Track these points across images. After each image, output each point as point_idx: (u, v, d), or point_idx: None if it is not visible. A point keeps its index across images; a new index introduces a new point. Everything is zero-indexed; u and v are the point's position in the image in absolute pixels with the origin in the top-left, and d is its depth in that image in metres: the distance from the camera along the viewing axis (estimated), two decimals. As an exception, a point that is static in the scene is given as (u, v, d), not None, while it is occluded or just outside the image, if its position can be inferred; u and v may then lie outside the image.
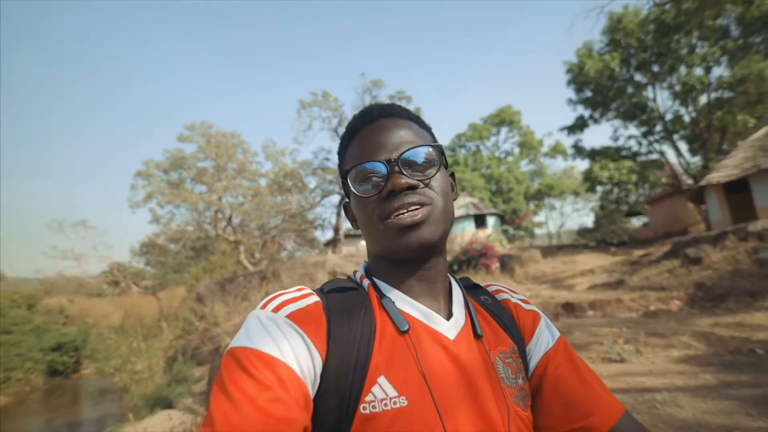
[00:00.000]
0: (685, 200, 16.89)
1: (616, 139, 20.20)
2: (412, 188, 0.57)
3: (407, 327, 0.56)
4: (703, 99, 16.97)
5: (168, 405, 8.97)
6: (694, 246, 9.43)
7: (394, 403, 0.50)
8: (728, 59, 15.33)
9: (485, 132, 32.19)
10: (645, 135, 19.29)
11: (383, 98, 19.60)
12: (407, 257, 0.59)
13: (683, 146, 18.71)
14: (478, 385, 0.55)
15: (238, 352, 0.48)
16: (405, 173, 0.57)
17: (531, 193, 30.94)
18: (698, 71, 16.65)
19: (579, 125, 20.39)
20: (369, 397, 0.50)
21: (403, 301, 0.60)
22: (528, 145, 31.96)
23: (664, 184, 18.69)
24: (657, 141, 19.24)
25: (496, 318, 0.66)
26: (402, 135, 0.61)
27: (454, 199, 0.67)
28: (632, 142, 19.87)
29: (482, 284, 0.75)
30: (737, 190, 12.53)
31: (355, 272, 0.68)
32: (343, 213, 20.96)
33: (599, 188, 19.11)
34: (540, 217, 33.25)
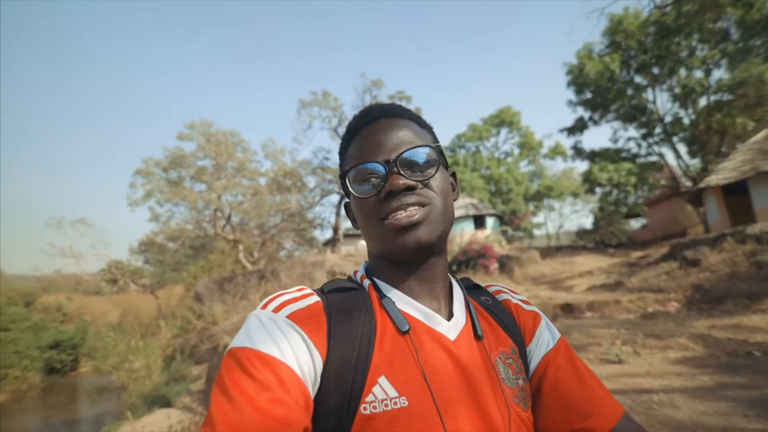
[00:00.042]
0: (684, 202, 16.92)
1: (615, 141, 20.23)
2: (411, 189, 0.57)
3: (408, 327, 0.56)
4: (702, 101, 17.00)
5: (166, 403, 8.97)
6: (693, 248, 9.45)
7: (395, 403, 0.50)
8: (728, 62, 15.37)
9: (485, 133, 32.20)
10: (644, 137, 19.32)
11: (383, 98, 19.60)
12: (405, 257, 0.59)
13: (682, 148, 18.76)
14: (479, 385, 0.55)
15: (239, 353, 0.48)
16: (403, 174, 0.57)
17: (530, 194, 30.97)
18: (698, 74, 16.67)
19: (579, 127, 20.41)
20: (369, 398, 0.50)
21: (403, 302, 0.60)
22: (528, 146, 31.98)
23: (663, 186, 18.72)
24: (656, 143, 19.28)
25: (496, 318, 0.66)
26: (401, 135, 0.61)
27: (455, 199, 0.67)
28: (632, 144, 19.91)
29: (483, 285, 0.75)
30: (736, 193, 12.56)
31: (355, 272, 0.68)
32: (342, 212, 21.04)
33: (598, 190, 19.13)
34: (539, 218, 33.32)
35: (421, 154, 0.59)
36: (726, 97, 15.76)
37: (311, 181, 21.93)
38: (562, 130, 21.11)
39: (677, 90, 17.27)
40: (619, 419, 0.57)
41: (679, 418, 2.97)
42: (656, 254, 11.28)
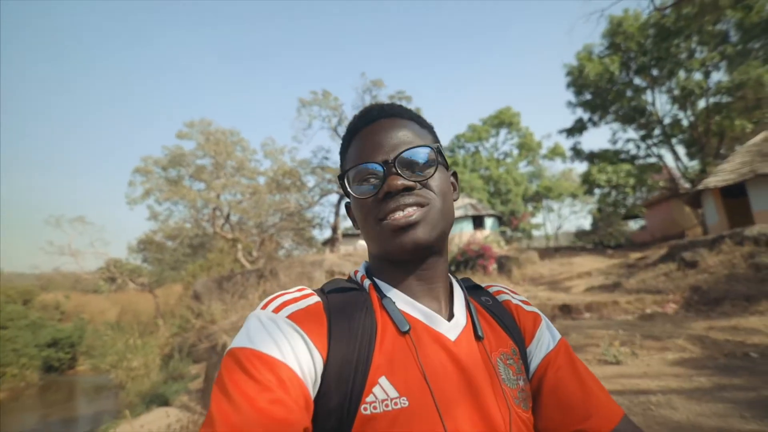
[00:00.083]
0: (683, 204, 16.96)
1: (614, 142, 20.27)
2: (409, 189, 0.57)
3: (408, 327, 0.55)
4: (701, 103, 17.04)
5: (164, 402, 8.96)
6: (691, 250, 9.47)
7: (395, 403, 0.50)
8: (727, 64, 15.41)
9: (484, 133, 32.23)
10: (643, 138, 19.36)
11: (383, 98, 19.60)
12: (403, 258, 0.59)
13: (681, 150, 18.79)
14: (479, 386, 0.55)
15: (239, 353, 0.48)
16: (402, 174, 0.57)
17: (529, 195, 31.00)
18: (697, 76, 16.71)
19: (578, 128, 20.44)
20: (370, 398, 0.50)
21: (403, 302, 0.59)
22: (527, 147, 32.02)
23: (662, 187, 18.77)
24: (655, 145, 19.32)
25: (497, 319, 0.66)
26: (400, 135, 0.60)
27: (455, 199, 0.67)
28: (631, 146, 19.95)
29: (483, 285, 0.75)
30: (734, 195, 12.59)
31: (355, 272, 0.68)
32: (341, 212, 21.00)
33: (597, 191, 19.16)
34: (538, 219, 33.34)
35: (420, 154, 0.59)
36: (725, 99, 15.79)
37: (310, 181, 21.94)
38: (561, 131, 21.15)
39: (676, 92, 17.31)
40: (618, 421, 0.57)
41: (676, 419, 2.98)
42: (654, 255, 11.30)
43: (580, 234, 22.75)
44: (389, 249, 0.58)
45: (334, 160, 21.96)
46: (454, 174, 0.70)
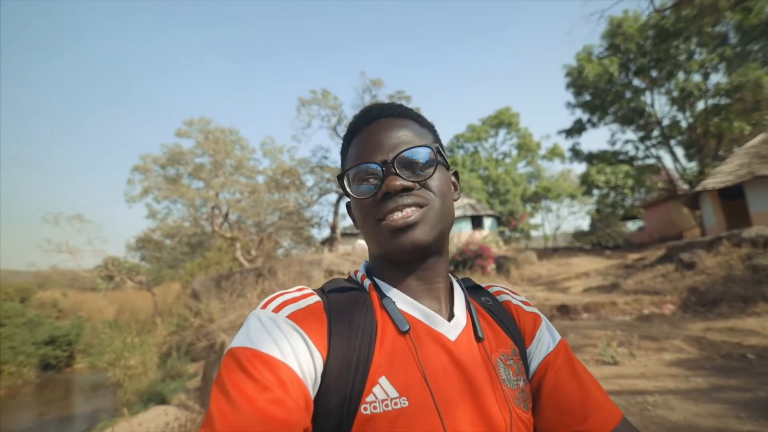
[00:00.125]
0: (681, 205, 17.00)
1: (613, 143, 20.31)
2: (408, 189, 0.57)
3: (408, 327, 0.55)
4: (700, 105, 17.08)
5: (162, 401, 8.96)
6: (689, 251, 9.50)
7: (395, 403, 0.50)
8: (726, 66, 15.45)
9: (483, 133, 32.26)
10: (642, 140, 19.41)
11: (383, 97, 19.59)
12: (402, 258, 0.59)
13: (680, 151, 18.85)
14: (480, 386, 0.55)
15: (238, 353, 0.48)
16: (400, 174, 0.57)
17: (528, 195, 31.06)
18: (696, 77, 16.76)
19: (577, 129, 20.48)
20: (370, 398, 0.49)
21: (403, 302, 0.59)
22: (526, 148, 32.07)
23: (660, 188, 18.82)
24: (654, 146, 19.36)
25: (497, 319, 0.66)
26: (400, 135, 0.60)
27: (456, 199, 0.67)
28: (629, 147, 19.99)
29: (483, 285, 0.75)
30: (732, 197, 12.63)
31: (356, 272, 0.67)
32: (339, 211, 20.95)
33: (596, 192, 19.20)
34: (536, 219, 33.40)
35: (420, 154, 0.59)
36: (723, 101, 15.83)
37: (309, 180, 21.93)
38: (560, 132, 21.18)
39: (675, 93, 17.35)
40: (616, 424, 0.57)
41: (673, 419, 2.99)
42: (652, 256, 11.33)
43: (579, 235, 22.81)
44: (388, 249, 0.58)
45: (333, 159, 21.97)
46: (455, 173, 0.69)
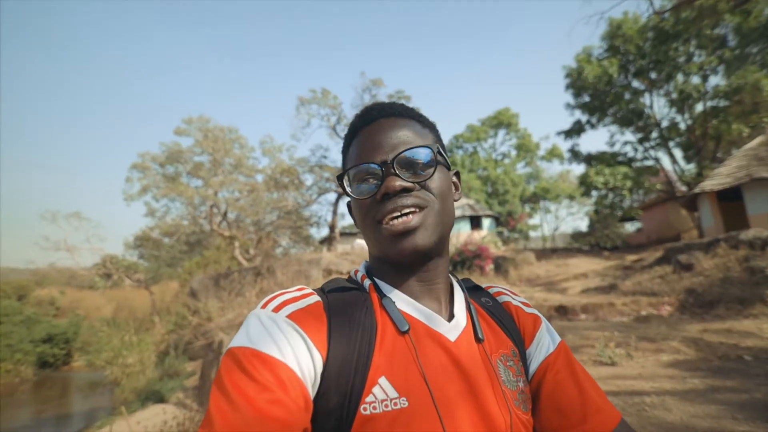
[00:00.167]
0: (679, 207, 17.05)
1: (612, 145, 20.36)
2: (408, 190, 0.57)
3: (407, 327, 0.55)
4: (699, 107, 17.13)
5: (160, 399, 8.95)
6: (686, 252, 9.53)
7: (395, 404, 0.50)
8: (725, 68, 15.50)
9: (483, 134, 32.29)
10: (641, 141, 19.45)
11: (382, 97, 19.60)
12: (402, 262, 0.59)
13: (678, 153, 18.91)
14: (480, 387, 0.55)
15: (238, 352, 0.47)
16: (400, 175, 0.56)
17: (527, 196, 31.10)
18: (695, 79, 16.80)
19: (576, 130, 20.52)
20: (369, 398, 0.49)
21: (403, 302, 0.59)
22: (525, 148, 32.10)
23: (659, 190, 18.86)
24: (652, 147, 19.41)
25: (496, 320, 0.66)
26: (400, 135, 0.60)
27: (457, 200, 0.66)
28: (628, 148, 20.05)
29: (484, 286, 0.75)
30: (730, 199, 12.67)
31: (356, 272, 0.67)
32: (338, 211, 20.86)
33: (594, 193, 19.25)
34: (535, 220, 33.46)
35: (420, 155, 0.58)
36: (722, 103, 15.88)
37: (308, 179, 21.93)
38: (559, 133, 21.23)
39: (674, 95, 17.39)
40: (615, 426, 0.57)
41: (670, 420, 3.00)
42: (650, 258, 11.36)
43: (577, 235, 22.85)
44: (389, 253, 0.58)
45: (333, 158, 21.97)
46: (457, 173, 0.69)
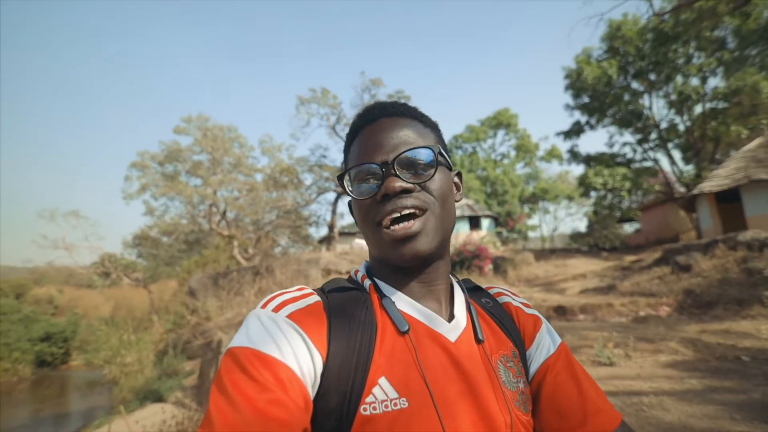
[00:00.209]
0: (677, 208, 17.08)
1: (611, 146, 20.40)
2: (408, 191, 0.56)
3: (407, 328, 0.55)
4: (698, 109, 17.18)
5: (158, 398, 8.93)
6: (685, 253, 9.55)
7: (395, 404, 0.49)
8: (724, 70, 15.54)
9: (482, 134, 32.32)
10: (640, 142, 19.49)
11: (382, 97, 19.59)
12: (403, 266, 0.59)
13: (677, 155, 18.95)
14: (480, 388, 0.55)
15: (238, 352, 0.47)
16: (400, 176, 0.56)
17: (526, 197, 31.14)
18: (694, 81, 16.85)
19: (575, 130, 20.56)
20: (369, 398, 0.49)
21: (403, 302, 0.59)
22: (524, 149, 32.14)
23: (657, 191, 18.90)
24: (651, 149, 19.46)
25: (497, 321, 0.66)
26: (401, 136, 0.59)
27: (458, 200, 0.66)
28: (627, 149, 20.10)
29: (484, 286, 0.75)
30: (728, 200, 12.70)
31: (356, 272, 0.67)
32: (337, 210, 20.82)
33: (593, 193, 19.30)
34: (534, 221, 33.50)
35: (421, 155, 0.58)
36: (721, 105, 15.93)
37: (308, 179, 21.93)
38: (558, 134, 21.28)
39: (673, 97, 17.43)
40: (615, 427, 0.57)
41: (668, 420, 3.01)
42: (649, 259, 11.38)
43: (576, 236, 22.89)
44: (390, 257, 0.58)
45: (332, 158, 21.97)
46: (458, 174, 0.69)
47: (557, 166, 47.37)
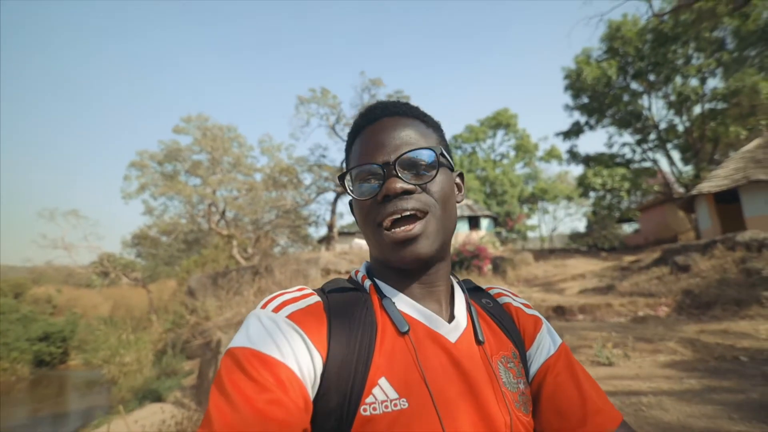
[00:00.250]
0: (676, 208, 17.11)
1: (610, 146, 20.41)
2: (409, 192, 0.56)
3: (407, 328, 0.55)
4: (697, 109, 17.19)
5: (157, 398, 8.93)
6: (683, 254, 9.57)
7: (395, 405, 0.49)
8: (723, 71, 15.57)
9: (481, 134, 32.33)
10: (639, 143, 19.51)
11: (382, 97, 19.58)
12: (404, 268, 0.59)
13: (676, 155, 18.98)
14: (480, 389, 0.55)
15: (238, 353, 0.47)
16: (402, 177, 0.56)
17: (525, 197, 31.17)
18: (693, 82, 16.86)
19: (574, 131, 20.56)
20: (369, 399, 0.49)
21: (404, 303, 0.59)
22: (523, 149, 32.16)
23: (656, 191, 18.92)
24: (650, 149, 19.47)
25: (497, 321, 0.66)
26: (403, 136, 0.59)
27: (459, 201, 0.66)
28: (626, 150, 20.11)
29: (484, 287, 0.74)
30: (727, 201, 12.72)
31: (356, 272, 0.67)
32: (337, 210, 20.77)
33: (592, 194, 19.30)
34: (533, 221, 33.54)
35: (423, 156, 0.58)
36: (720, 105, 15.95)
37: (307, 178, 21.91)
38: (558, 134, 21.27)
39: (672, 97, 17.45)
40: (616, 427, 0.57)
41: (667, 420, 3.01)
42: (648, 259, 11.39)
43: (575, 236, 22.91)
44: (390, 259, 0.58)
45: (331, 157, 21.97)
46: (460, 175, 0.69)
47: (556, 166, 47.43)
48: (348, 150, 0.66)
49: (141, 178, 19.32)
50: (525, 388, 0.61)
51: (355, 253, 17.47)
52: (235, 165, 21.55)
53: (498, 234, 25.51)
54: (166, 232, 21.59)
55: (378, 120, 0.62)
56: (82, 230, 29.02)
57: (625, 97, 18.47)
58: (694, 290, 7.90)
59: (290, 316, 0.51)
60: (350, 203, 0.67)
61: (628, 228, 23.45)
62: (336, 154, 22.35)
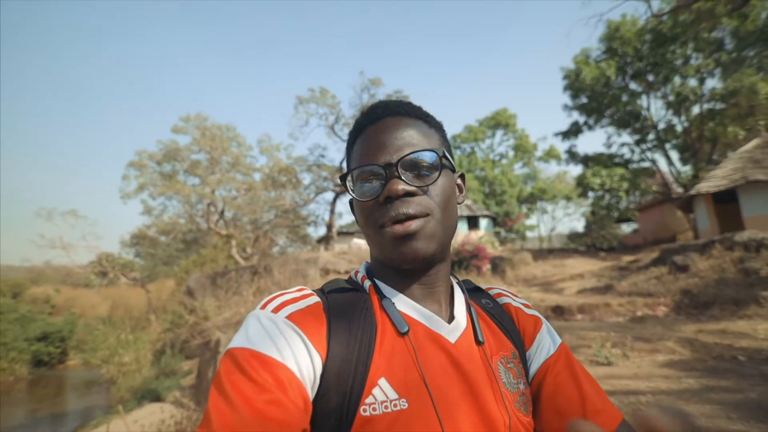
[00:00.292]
0: (675, 208, 17.14)
1: (609, 146, 20.44)
2: (411, 194, 0.56)
3: (407, 329, 0.55)
4: (695, 109, 17.22)
5: (156, 398, 8.92)
6: (682, 254, 9.59)
7: (395, 405, 0.49)
8: (722, 71, 15.60)
9: (480, 134, 32.35)
10: (638, 143, 19.54)
11: (381, 96, 19.55)
12: (403, 267, 0.59)
13: (675, 155, 19.01)
14: (480, 389, 0.55)
15: (237, 353, 0.47)
16: (404, 179, 0.56)
17: (524, 197, 31.20)
18: (692, 82, 16.89)
19: (573, 131, 20.58)
20: (369, 399, 0.49)
21: (403, 303, 0.59)
22: (522, 149, 32.19)
23: (655, 192, 18.96)
24: (649, 149, 19.50)
25: (497, 322, 0.66)
26: (405, 137, 0.59)
27: (461, 202, 0.66)
28: (625, 150, 20.13)
29: (484, 287, 0.74)
30: (725, 201, 12.75)
31: (356, 272, 0.67)
32: (336, 210, 20.74)
33: (591, 194, 19.32)
34: (532, 221, 33.58)
35: (425, 158, 0.58)
36: (719, 105, 15.98)
37: (306, 178, 21.89)
38: (557, 134, 21.29)
39: (671, 97, 17.47)
40: (616, 427, 0.56)
41: (665, 420, 3.02)
42: (646, 259, 11.42)
43: (574, 236, 22.92)
44: (390, 257, 0.58)
45: (331, 157, 21.99)
46: (462, 176, 0.69)
47: (555, 166, 47.38)
48: (349, 149, 0.66)
49: (140, 177, 19.30)
50: (525, 388, 0.61)
51: (354, 252, 17.47)
52: (234, 165, 21.54)
53: (497, 234, 25.53)
54: (165, 232, 21.56)
55: (380, 119, 0.62)
56: (81, 230, 29.07)
57: (624, 98, 18.49)
58: (693, 290, 7.92)
59: (290, 317, 0.51)
60: (350, 203, 0.67)
61: (626, 228, 23.49)
62: (335, 154, 22.40)
